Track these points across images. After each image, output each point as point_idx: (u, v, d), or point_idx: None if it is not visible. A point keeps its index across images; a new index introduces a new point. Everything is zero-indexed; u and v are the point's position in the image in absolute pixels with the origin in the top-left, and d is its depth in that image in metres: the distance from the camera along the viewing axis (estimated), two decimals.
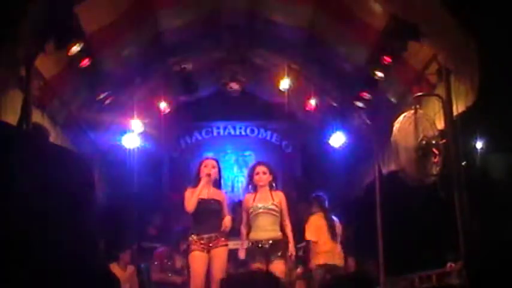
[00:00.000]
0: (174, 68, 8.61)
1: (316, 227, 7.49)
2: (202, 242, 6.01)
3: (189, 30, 7.84)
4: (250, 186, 6.53)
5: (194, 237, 6.04)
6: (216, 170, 6.30)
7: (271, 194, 6.39)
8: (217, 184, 6.37)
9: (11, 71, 5.09)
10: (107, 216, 6.47)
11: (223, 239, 6.07)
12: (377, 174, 8.24)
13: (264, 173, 6.44)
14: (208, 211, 6.10)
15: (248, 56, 8.93)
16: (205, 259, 5.99)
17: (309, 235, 7.44)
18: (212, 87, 9.80)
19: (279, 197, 6.41)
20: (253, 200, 6.36)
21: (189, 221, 6.28)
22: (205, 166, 6.26)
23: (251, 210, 6.32)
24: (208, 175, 6.18)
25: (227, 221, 6.06)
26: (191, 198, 6.08)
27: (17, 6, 4.68)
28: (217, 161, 6.49)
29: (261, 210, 6.28)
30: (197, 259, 5.98)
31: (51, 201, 0.81)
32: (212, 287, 5.97)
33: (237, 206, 8.65)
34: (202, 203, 6.09)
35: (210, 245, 6.00)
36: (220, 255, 6.02)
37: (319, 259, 7.37)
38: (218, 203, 6.18)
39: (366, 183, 8.89)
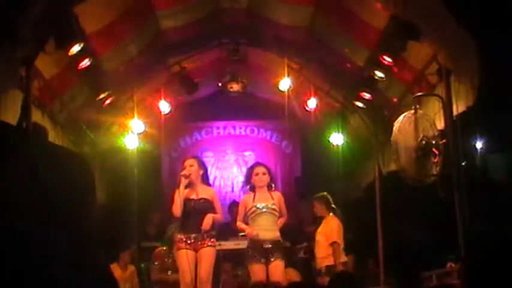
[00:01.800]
0: (174, 68, 8.61)
1: (338, 228, 7.39)
2: (189, 241, 6.03)
3: (189, 30, 7.84)
4: (248, 187, 6.53)
5: (181, 236, 6.06)
6: (195, 167, 6.28)
7: (270, 195, 6.39)
8: (205, 180, 6.36)
9: (11, 71, 5.08)
10: (107, 216, 6.47)
11: (210, 239, 6.09)
12: (377, 174, 8.24)
13: (264, 174, 6.45)
14: (195, 211, 6.11)
15: (248, 56, 8.93)
16: (193, 257, 6.01)
17: (337, 237, 7.26)
18: (212, 87, 9.80)
19: (277, 197, 6.42)
20: (253, 200, 6.35)
21: None
22: (183, 167, 6.27)
23: (252, 211, 6.31)
24: (185, 176, 6.17)
25: (207, 219, 6.06)
26: (176, 202, 6.09)
27: (17, 6, 4.67)
28: (196, 159, 6.50)
29: (263, 210, 6.27)
30: (184, 257, 6.00)
31: (51, 202, 0.81)
32: (199, 286, 5.99)
33: (233, 207, 8.65)
34: (188, 202, 6.10)
35: (198, 244, 6.02)
36: (207, 255, 6.03)
37: (341, 257, 7.29)
38: (206, 201, 6.17)
39: (366, 183, 8.89)
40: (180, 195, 6.10)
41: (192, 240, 6.04)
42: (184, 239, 6.05)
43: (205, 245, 6.05)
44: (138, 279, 8.30)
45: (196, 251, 6.04)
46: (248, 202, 6.38)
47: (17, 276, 0.78)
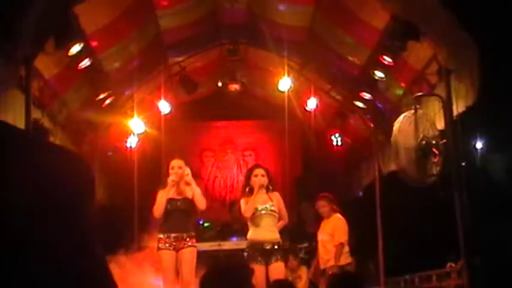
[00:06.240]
0: (174, 68, 8.61)
1: (346, 229, 7.26)
2: (169, 241, 6.02)
3: (189, 30, 7.84)
4: (247, 189, 6.53)
5: (162, 236, 6.06)
6: (182, 169, 6.29)
7: (269, 196, 6.40)
8: (188, 180, 6.39)
9: (11, 71, 5.09)
10: (107, 216, 6.47)
11: (191, 239, 6.08)
12: (377, 174, 8.24)
13: (263, 176, 6.45)
14: (177, 210, 6.10)
15: (248, 56, 8.93)
16: (174, 257, 5.99)
17: (344, 238, 7.14)
18: (212, 87, 9.80)
19: (276, 198, 6.43)
20: (252, 201, 6.36)
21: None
22: (171, 168, 6.25)
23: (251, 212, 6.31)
24: (175, 180, 6.16)
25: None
26: (160, 202, 6.06)
27: (17, 6, 4.68)
28: (182, 160, 6.51)
29: (263, 212, 6.28)
30: (165, 258, 5.99)
31: (50, 202, 0.81)
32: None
33: (233, 206, 8.65)
34: (172, 202, 6.09)
35: (179, 244, 6.01)
36: (188, 256, 6.00)
37: (348, 258, 7.18)
38: (188, 201, 6.18)
39: (366, 183, 8.89)
40: (166, 196, 6.09)
41: (173, 240, 6.03)
42: (165, 239, 6.04)
43: (186, 246, 6.04)
44: None
45: (177, 251, 6.03)
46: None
47: (14, 276, 0.78)
